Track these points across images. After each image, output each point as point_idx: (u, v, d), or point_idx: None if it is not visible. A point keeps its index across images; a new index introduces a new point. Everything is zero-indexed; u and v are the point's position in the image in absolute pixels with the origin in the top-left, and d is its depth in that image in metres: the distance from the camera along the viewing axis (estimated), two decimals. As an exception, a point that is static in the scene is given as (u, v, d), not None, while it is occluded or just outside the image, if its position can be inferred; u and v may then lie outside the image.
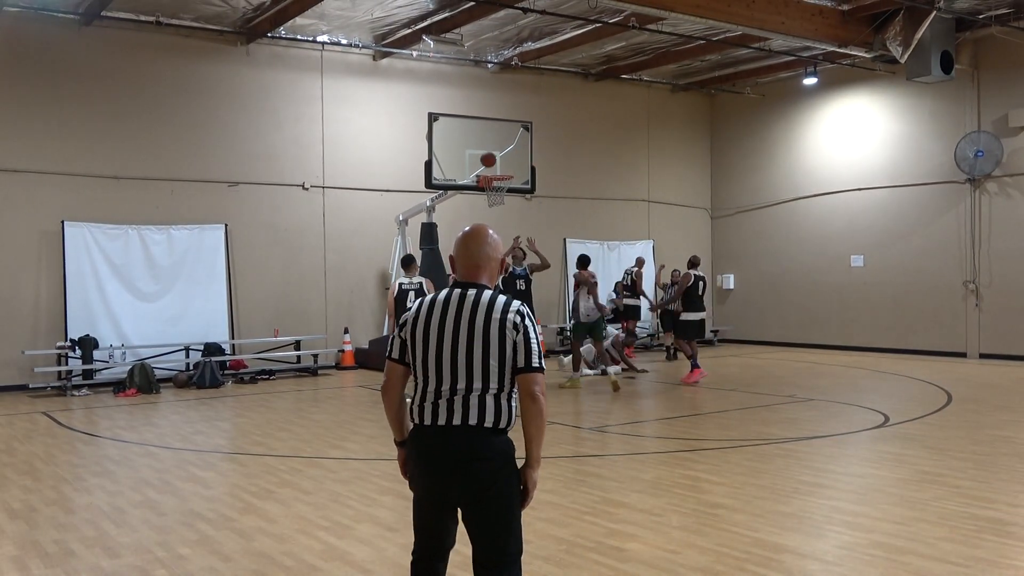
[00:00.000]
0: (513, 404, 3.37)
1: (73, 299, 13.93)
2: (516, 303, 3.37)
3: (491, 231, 3.52)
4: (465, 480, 3.28)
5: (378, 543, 5.53)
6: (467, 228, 3.54)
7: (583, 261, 13.64)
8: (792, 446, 8.49)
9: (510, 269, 13.38)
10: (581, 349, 14.07)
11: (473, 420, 3.28)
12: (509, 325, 3.30)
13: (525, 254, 13.72)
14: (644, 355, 18.26)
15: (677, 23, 14.57)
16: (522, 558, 3.42)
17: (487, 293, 3.38)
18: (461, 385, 3.30)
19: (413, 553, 3.54)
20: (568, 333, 18.64)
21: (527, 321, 3.32)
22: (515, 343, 3.29)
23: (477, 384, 3.29)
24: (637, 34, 15.66)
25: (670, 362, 16.64)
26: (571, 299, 15.23)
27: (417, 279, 11.10)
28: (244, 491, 6.97)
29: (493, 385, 3.31)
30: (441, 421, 3.30)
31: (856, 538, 5.47)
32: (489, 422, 3.30)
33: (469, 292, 3.38)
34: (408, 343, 3.42)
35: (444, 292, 3.44)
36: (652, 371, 15.22)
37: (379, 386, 3.70)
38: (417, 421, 3.39)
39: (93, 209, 14.30)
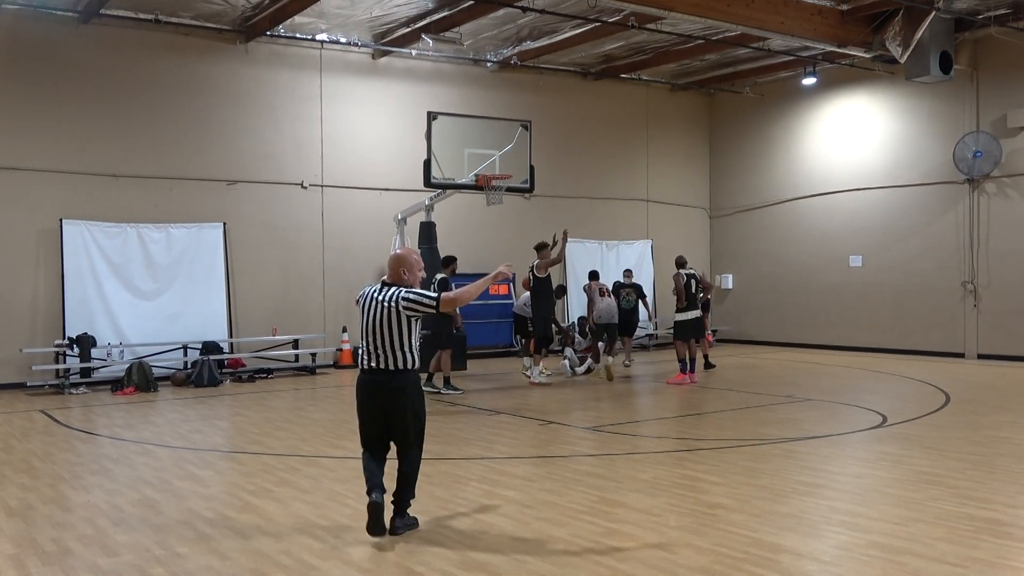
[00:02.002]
0: (416, 353, 5.63)
1: (71, 297, 13.92)
2: (403, 291, 5.59)
3: (414, 256, 5.78)
4: (392, 401, 5.60)
5: (376, 542, 5.53)
6: (399, 251, 5.86)
7: (593, 275, 15.13)
8: (790, 446, 8.50)
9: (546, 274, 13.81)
10: (565, 351, 14.98)
11: (392, 366, 5.56)
12: (403, 303, 5.54)
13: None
14: (641, 356, 18.27)
15: (676, 22, 14.57)
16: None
17: (396, 288, 5.63)
18: (379, 342, 5.56)
19: (363, 444, 5.75)
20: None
21: (410, 295, 5.56)
22: (414, 306, 5.53)
23: (388, 342, 5.55)
24: (636, 33, 15.65)
25: (708, 371, 14.82)
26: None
27: None
28: (242, 490, 6.97)
29: (403, 341, 5.56)
30: (375, 365, 5.59)
31: (854, 538, 5.48)
32: (400, 365, 5.56)
33: (391, 288, 5.64)
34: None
35: (376, 286, 5.72)
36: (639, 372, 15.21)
37: None
38: (362, 367, 5.68)
39: (91, 207, 14.29)
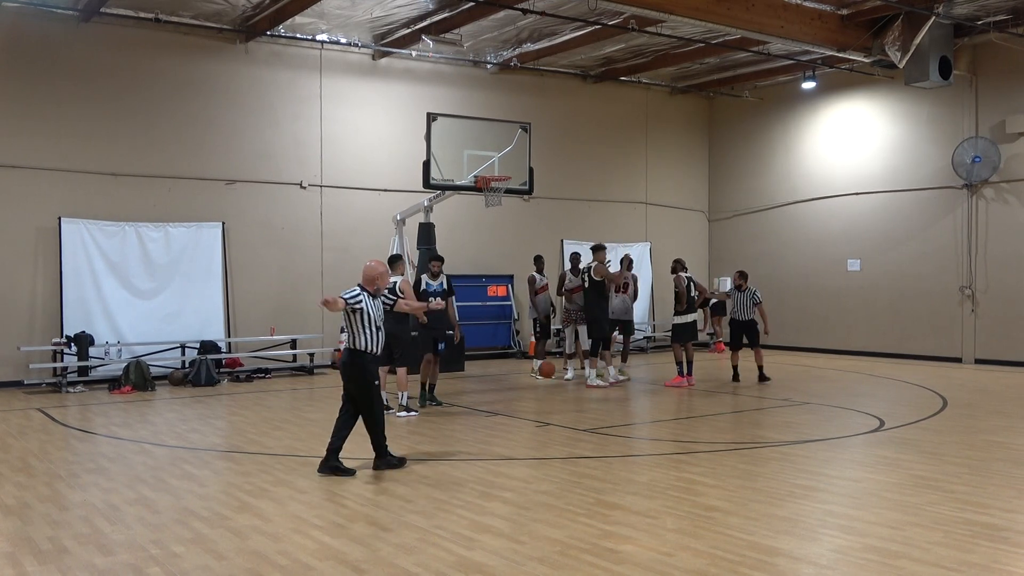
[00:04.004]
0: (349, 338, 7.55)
1: (69, 296, 13.91)
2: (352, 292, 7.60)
3: (369, 268, 7.67)
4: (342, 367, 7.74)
5: (372, 543, 5.53)
6: (370, 263, 7.73)
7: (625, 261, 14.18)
8: (787, 449, 8.50)
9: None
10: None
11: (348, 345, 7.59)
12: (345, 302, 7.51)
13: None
14: (638, 359, 18.26)
15: (676, 26, 14.58)
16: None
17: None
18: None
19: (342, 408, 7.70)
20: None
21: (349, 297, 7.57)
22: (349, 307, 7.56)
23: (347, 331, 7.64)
24: (636, 36, 15.67)
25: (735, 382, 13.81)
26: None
27: (395, 278, 10.96)
28: (239, 489, 6.97)
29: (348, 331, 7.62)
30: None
31: (850, 542, 5.48)
32: (349, 345, 7.54)
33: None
34: None
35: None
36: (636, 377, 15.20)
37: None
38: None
39: (90, 206, 14.28)
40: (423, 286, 11.30)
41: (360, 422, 7.68)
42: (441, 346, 11.41)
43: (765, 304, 14.23)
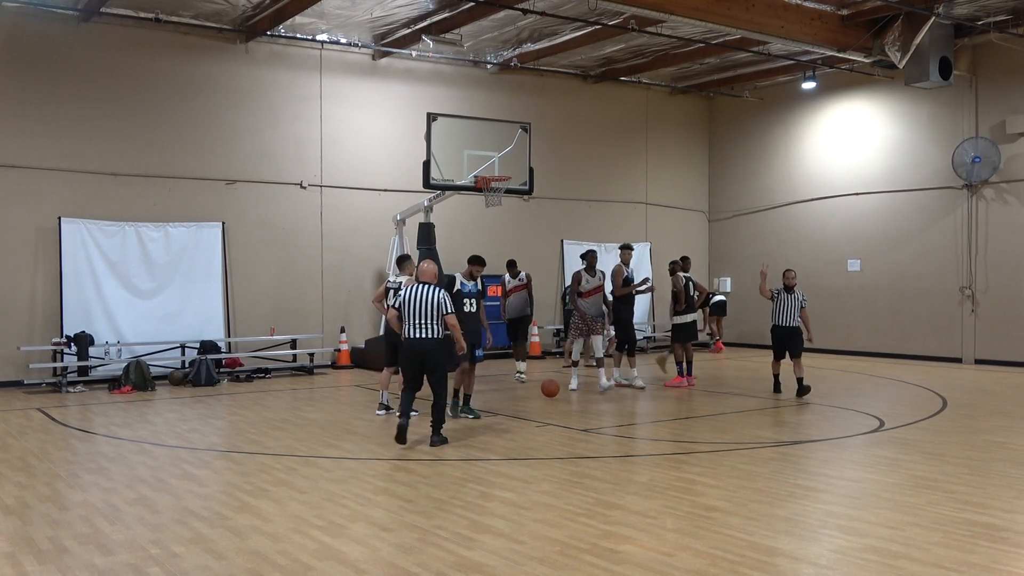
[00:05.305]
0: (441, 328, 8.63)
1: (69, 295, 13.91)
2: (440, 290, 8.69)
3: (431, 265, 8.95)
4: (426, 355, 8.66)
5: (372, 543, 5.53)
6: (422, 263, 9.06)
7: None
8: (787, 450, 8.50)
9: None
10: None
11: (429, 335, 8.59)
12: (439, 298, 8.61)
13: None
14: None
15: (676, 26, 14.58)
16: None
17: (430, 286, 8.69)
18: (423, 322, 8.58)
19: (403, 384, 8.83)
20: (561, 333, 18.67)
21: (444, 295, 8.68)
22: (442, 304, 8.62)
23: (428, 322, 8.58)
24: (636, 36, 15.67)
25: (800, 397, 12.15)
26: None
27: (402, 277, 10.86)
28: (239, 489, 6.97)
29: (436, 321, 8.61)
30: (417, 336, 8.61)
31: (850, 542, 5.48)
32: (436, 335, 8.61)
33: (427, 286, 8.69)
34: (403, 307, 8.69)
35: (417, 285, 8.72)
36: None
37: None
38: (407, 336, 8.68)
39: (90, 206, 14.28)
40: (458, 285, 10.67)
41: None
42: (479, 353, 10.85)
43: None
